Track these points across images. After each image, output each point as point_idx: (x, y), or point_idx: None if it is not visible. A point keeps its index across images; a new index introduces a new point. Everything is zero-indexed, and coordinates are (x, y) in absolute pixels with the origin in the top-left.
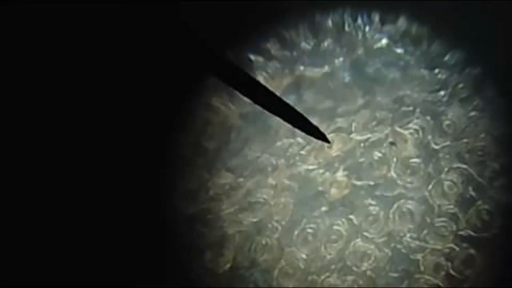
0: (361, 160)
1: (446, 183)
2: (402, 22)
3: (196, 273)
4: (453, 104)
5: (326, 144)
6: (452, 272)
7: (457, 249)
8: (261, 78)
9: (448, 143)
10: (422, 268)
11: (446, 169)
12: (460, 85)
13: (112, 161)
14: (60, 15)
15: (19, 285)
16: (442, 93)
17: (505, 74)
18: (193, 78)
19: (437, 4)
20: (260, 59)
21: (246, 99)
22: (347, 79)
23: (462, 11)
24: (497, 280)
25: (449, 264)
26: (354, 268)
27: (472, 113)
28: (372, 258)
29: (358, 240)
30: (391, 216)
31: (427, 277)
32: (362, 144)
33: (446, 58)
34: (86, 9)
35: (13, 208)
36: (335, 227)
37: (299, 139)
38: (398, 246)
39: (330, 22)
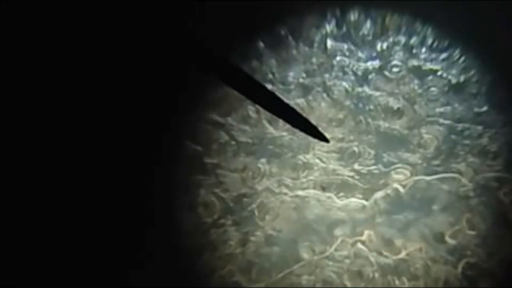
0: None
1: None
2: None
3: (198, 273)
4: None
5: None
6: None
7: None
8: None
9: None
10: None
11: None
12: None
13: (115, 163)
14: (59, 15)
15: (19, 285)
16: None
17: None
18: (193, 79)
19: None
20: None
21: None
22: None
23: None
24: (497, 280)
25: None
26: None
27: None
28: None
29: None
30: None
31: None
32: None
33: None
34: (85, 10)
35: (12, 207)
36: None
37: None
38: None
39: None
